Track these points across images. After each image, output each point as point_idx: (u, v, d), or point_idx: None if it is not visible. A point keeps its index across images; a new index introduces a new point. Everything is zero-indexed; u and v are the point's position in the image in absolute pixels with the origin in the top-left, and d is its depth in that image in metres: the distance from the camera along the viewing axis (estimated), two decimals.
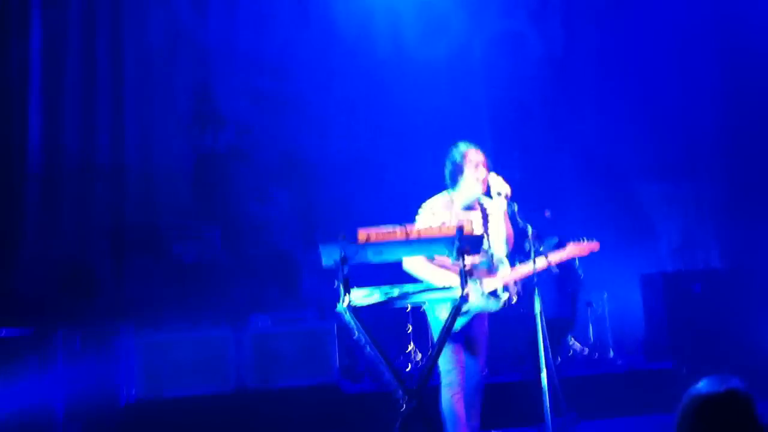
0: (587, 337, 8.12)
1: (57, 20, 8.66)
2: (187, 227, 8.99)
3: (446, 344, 4.69)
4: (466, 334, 4.87)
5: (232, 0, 9.40)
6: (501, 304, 4.92)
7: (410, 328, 7.93)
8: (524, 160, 9.79)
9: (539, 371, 5.01)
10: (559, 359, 7.77)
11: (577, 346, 7.97)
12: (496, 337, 7.22)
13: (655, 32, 9.95)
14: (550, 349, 6.63)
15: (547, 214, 8.02)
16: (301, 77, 9.52)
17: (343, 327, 5.25)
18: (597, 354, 7.94)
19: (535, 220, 8.01)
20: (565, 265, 7.91)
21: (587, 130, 10.12)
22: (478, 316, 4.90)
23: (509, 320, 7.34)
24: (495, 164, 5.11)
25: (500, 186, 4.97)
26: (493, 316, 6.80)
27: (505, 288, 5.87)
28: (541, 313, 4.68)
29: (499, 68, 9.99)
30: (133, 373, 6.68)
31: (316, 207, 9.36)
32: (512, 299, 7.21)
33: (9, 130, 8.38)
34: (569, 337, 8.01)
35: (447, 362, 4.75)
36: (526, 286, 5.29)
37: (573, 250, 5.23)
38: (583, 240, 5.27)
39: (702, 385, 2.31)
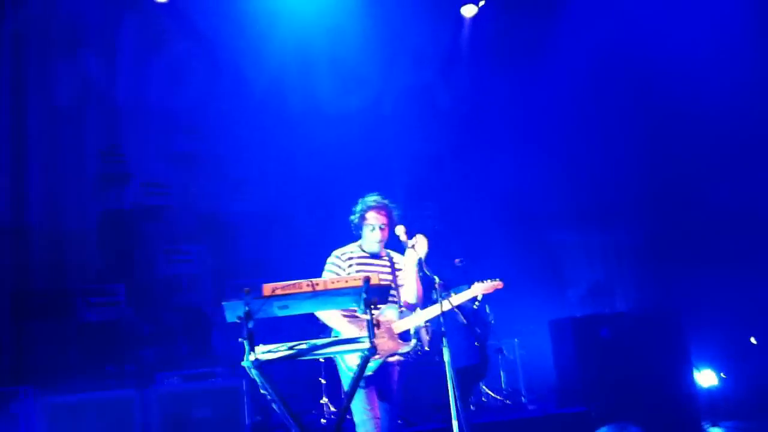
0: (499, 384, 8.17)
1: None
2: (92, 287, 8.72)
3: (359, 394, 4.66)
4: (379, 380, 4.83)
5: (142, 58, 9.28)
6: (411, 347, 4.92)
7: (323, 381, 7.82)
8: (438, 210, 9.92)
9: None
10: (471, 407, 7.78)
11: (490, 393, 8.00)
12: (410, 388, 7.25)
13: (568, 81, 10.25)
14: (460, 398, 6.63)
15: (458, 262, 8.13)
16: (214, 134, 9.49)
17: (254, 383, 5.12)
18: (509, 400, 7.99)
19: (446, 268, 8.12)
20: (475, 312, 7.98)
21: (500, 179, 10.35)
22: (388, 363, 4.87)
23: (423, 371, 7.37)
24: (409, 216, 5.16)
25: (414, 240, 5.02)
26: (406, 368, 6.77)
27: (417, 335, 5.86)
28: (449, 362, 4.67)
29: (410, 120, 10.16)
30: None
31: (228, 263, 9.25)
32: (423, 348, 7.23)
33: None
34: (481, 384, 8.04)
35: (361, 412, 4.70)
36: (436, 336, 5.31)
37: (477, 288, 5.31)
38: (488, 280, 5.36)
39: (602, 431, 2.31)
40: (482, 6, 10.11)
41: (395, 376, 4.98)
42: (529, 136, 10.39)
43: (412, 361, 7.23)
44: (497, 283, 5.37)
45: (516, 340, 8.81)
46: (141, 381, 7.14)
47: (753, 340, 9.46)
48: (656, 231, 10.09)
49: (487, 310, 8.28)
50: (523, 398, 8.12)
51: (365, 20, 9.56)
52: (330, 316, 4.86)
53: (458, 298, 5.20)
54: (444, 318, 6.59)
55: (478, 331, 7.88)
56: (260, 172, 9.51)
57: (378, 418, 4.78)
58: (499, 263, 9.43)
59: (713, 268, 9.21)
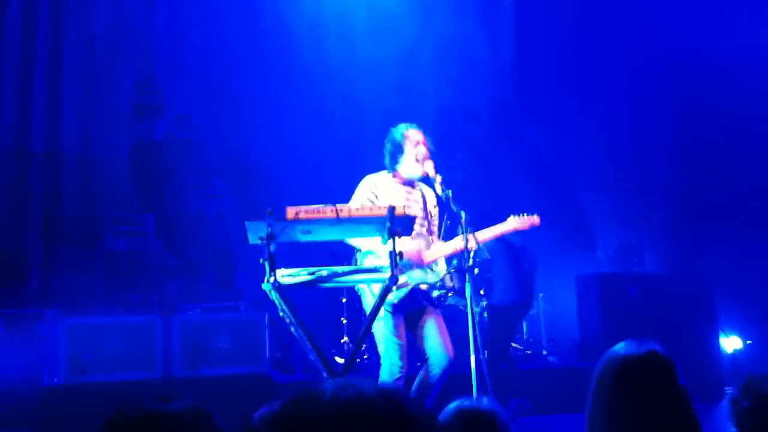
0: (521, 334, 8.14)
1: None
2: (121, 215, 8.78)
3: (386, 319, 4.61)
4: (411, 313, 4.79)
5: None
6: (439, 276, 4.87)
7: (345, 320, 7.84)
8: (468, 161, 9.81)
9: (485, 360, 4.94)
10: (514, 345, 7.72)
11: (513, 344, 7.98)
12: None
13: (609, 48, 10.06)
14: (503, 336, 6.58)
15: (488, 209, 8.02)
16: (249, 73, 9.40)
17: (276, 319, 5.12)
18: (530, 351, 7.96)
19: (474, 215, 8.04)
20: (524, 248, 7.88)
21: (536, 135, 10.21)
22: (419, 291, 4.82)
23: (445, 315, 7.34)
24: (438, 164, 5.06)
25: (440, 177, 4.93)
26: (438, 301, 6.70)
27: (442, 284, 5.82)
28: (471, 298, 4.60)
29: (448, 69, 10.01)
30: (57, 358, 6.46)
31: (257, 202, 9.22)
32: (447, 295, 7.20)
33: None
34: (523, 323, 7.99)
35: (386, 343, 4.65)
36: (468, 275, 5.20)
37: (511, 222, 5.13)
38: (524, 214, 5.19)
39: (620, 347, 2.23)
40: None
41: (430, 303, 4.88)
42: (569, 94, 10.20)
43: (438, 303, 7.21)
44: (534, 219, 5.17)
45: (541, 294, 8.75)
46: (164, 309, 7.20)
47: None
48: (690, 197, 9.93)
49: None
50: (544, 351, 8.09)
51: None
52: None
53: (491, 231, 5.07)
54: (491, 253, 6.55)
55: (527, 266, 7.74)
56: (293, 114, 9.45)
57: (404, 344, 4.73)
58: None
59: (745, 238, 9.05)
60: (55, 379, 6.35)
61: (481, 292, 7.83)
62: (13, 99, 8.45)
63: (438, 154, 5.26)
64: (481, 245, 4.81)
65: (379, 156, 5.29)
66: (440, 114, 9.99)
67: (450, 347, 4.80)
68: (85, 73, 8.83)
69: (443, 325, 4.85)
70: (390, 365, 4.64)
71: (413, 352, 4.87)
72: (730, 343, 8.27)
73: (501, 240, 7.34)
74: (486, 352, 7.52)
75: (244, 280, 8.68)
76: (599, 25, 10.01)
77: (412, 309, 4.80)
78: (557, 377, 7.01)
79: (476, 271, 7.62)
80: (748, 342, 8.37)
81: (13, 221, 8.37)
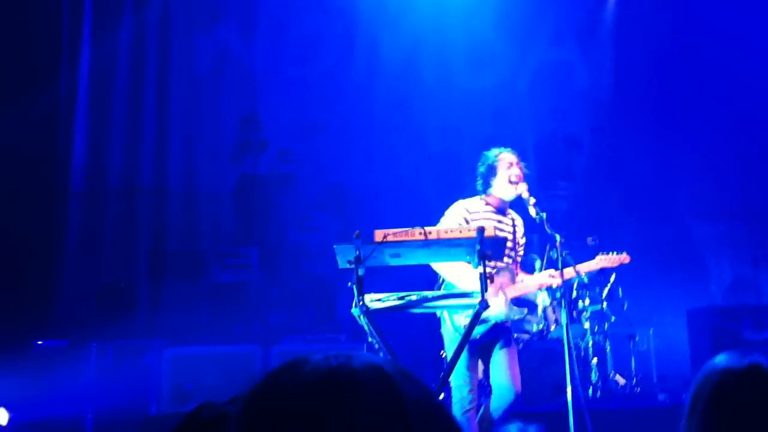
0: (630, 370, 7.79)
1: (107, 43, 8.82)
2: (227, 249, 9.01)
3: (462, 356, 4.50)
4: (485, 345, 4.66)
5: (279, 26, 9.46)
6: (524, 313, 4.71)
7: (444, 354, 7.70)
8: (570, 190, 9.60)
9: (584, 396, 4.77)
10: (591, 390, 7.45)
11: (621, 380, 7.64)
12: (534, 367, 7.03)
13: (710, 73, 9.71)
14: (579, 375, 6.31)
15: (590, 240, 7.79)
16: (347, 104, 9.53)
17: (374, 349, 5.08)
18: (639, 388, 7.60)
19: (577, 247, 7.82)
20: (610, 296, 7.64)
21: (639, 164, 9.91)
22: (499, 327, 4.69)
23: (548, 349, 7.12)
24: (541, 195, 4.96)
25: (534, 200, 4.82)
26: (530, 346, 6.54)
27: (544, 313, 5.67)
28: (567, 329, 4.43)
29: (546, 98, 9.88)
30: (162, 387, 6.63)
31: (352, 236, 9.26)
32: (549, 328, 6.99)
33: (54, 149, 8.52)
34: (611, 371, 7.68)
35: (458, 376, 4.52)
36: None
37: (600, 260, 5.01)
38: (612, 253, 5.05)
39: (720, 359, 2.01)
40: None
41: (508, 341, 4.76)
42: (672, 122, 9.86)
43: (536, 340, 7.00)
44: (623, 257, 5.05)
45: (651, 330, 8.38)
46: (265, 340, 7.28)
47: None
48: None
49: (620, 294, 7.91)
50: (655, 387, 7.75)
51: None
52: (453, 270, 4.62)
53: (581, 268, 4.95)
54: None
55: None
56: (391, 145, 9.50)
57: (477, 385, 4.59)
58: (634, 252, 9.02)
59: None
60: (161, 405, 6.51)
61: (605, 326, 7.57)
62: (122, 137, 8.83)
63: (539, 184, 5.16)
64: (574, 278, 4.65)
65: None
66: (540, 143, 9.82)
67: (518, 382, 4.64)
68: (190, 110, 9.16)
69: (515, 360, 4.70)
70: (461, 398, 4.53)
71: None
72: None
73: None
74: (591, 388, 7.27)
75: (345, 312, 8.68)
76: (699, 51, 9.68)
77: (485, 342, 4.67)
78: (667, 416, 6.65)
79: (584, 302, 7.40)
80: None
81: (123, 256, 8.70)
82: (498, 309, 4.58)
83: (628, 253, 5.09)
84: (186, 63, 9.22)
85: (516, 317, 4.72)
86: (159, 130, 9.01)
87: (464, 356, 4.46)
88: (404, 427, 0.94)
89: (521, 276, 4.86)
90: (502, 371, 4.65)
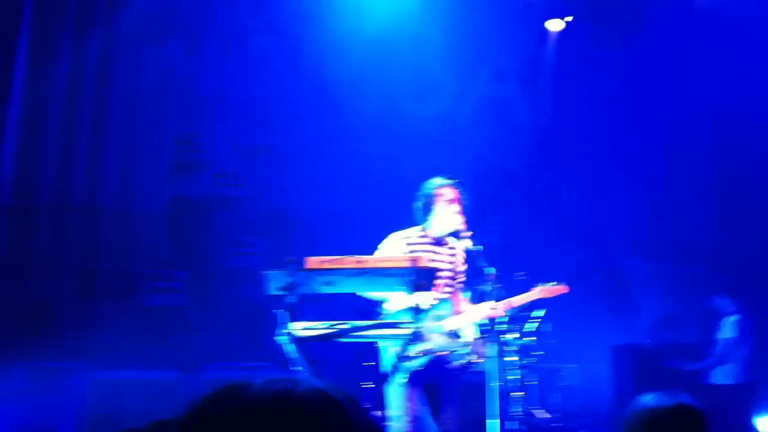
0: (553, 405, 7.85)
1: (44, 54, 8.60)
2: (158, 272, 8.81)
3: (400, 387, 4.48)
4: (426, 379, 4.63)
5: (224, 47, 9.38)
6: (464, 345, 4.71)
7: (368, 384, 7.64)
8: (505, 224, 9.70)
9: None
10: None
11: (544, 415, 7.69)
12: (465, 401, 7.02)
13: (646, 109, 9.98)
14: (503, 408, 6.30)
15: (521, 276, 7.86)
16: (289, 130, 9.49)
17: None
18: (562, 423, 7.68)
19: (508, 282, 7.88)
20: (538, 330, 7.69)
21: (573, 200, 10.10)
22: (441, 361, 4.67)
23: (471, 383, 7.13)
24: (476, 228, 4.97)
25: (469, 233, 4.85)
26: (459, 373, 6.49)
27: (473, 346, 5.68)
28: (497, 356, 4.44)
29: (485, 132, 10.01)
30: (83, 412, 6.42)
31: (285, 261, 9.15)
32: (477, 361, 7.00)
33: None
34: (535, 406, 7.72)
35: (397, 407, 4.51)
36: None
37: (538, 291, 5.04)
38: (552, 283, 5.08)
39: (649, 398, 2.09)
40: (569, 21, 9.88)
41: (449, 375, 4.74)
42: (607, 159, 10.11)
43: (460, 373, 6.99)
44: (562, 287, 5.09)
45: (576, 365, 8.48)
46: (192, 366, 7.12)
47: None
48: (732, 266, 9.66)
49: (549, 329, 7.97)
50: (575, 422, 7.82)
51: (448, 28, 9.48)
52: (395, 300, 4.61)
53: (518, 300, 4.97)
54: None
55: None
56: (333, 172, 9.48)
57: (414, 418, 4.57)
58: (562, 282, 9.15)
59: None
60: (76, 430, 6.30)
61: (533, 360, 7.61)
62: (55, 152, 8.59)
63: (475, 216, 5.18)
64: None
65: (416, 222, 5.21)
66: (478, 176, 9.92)
67: (452, 422, 4.63)
68: (128, 128, 8.97)
69: (457, 398, 4.68)
70: (397, 429, 4.48)
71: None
72: (766, 424, 7.88)
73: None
74: (518, 422, 7.28)
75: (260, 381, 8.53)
76: (637, 89, 9.95)
77: (430, 382, 4.66)
78: None
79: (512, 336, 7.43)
80: None
81: (50, 274, 8.43)
82: (438, 340, 4.57)
83: (566, 284, 5.12)
84: (128, 79, 9.04)
85: (458, 348, 4.71)
86: (94, 146, 8.78)
87: (402, 387, 4.43)
88: None
89: (465, 306, 4.87)
90: (439, 410, 4.64)
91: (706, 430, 2.02)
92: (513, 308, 4.88)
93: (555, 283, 5.10)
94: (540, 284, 5.09)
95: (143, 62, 9.08)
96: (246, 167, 9.35)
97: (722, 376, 7.53)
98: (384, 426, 4.06)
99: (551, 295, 5.07)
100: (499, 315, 4.70)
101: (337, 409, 0.92)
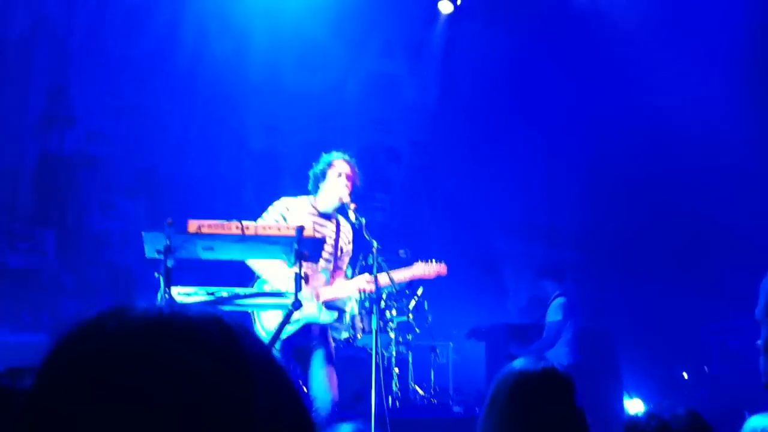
0: (429, 383, 7.98)
1: None
2: (20, 230, 8.30)
3: None
4: (302, 349, 4.56)
5: (102, 2, 8.87)
6: (334, 317, 4.66)
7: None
8: (387, 202, 9.72)
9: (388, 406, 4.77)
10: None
11: (418, 390, 7.79)
12: (338, 374, 7.01)
13: (528, 96, 10.20)
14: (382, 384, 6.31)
15: (402, 253, 7.91)
16: (166, 90, 9.09)
17: None
18: (435, 400, 7.80)
19: (389, 259, 7.91)
20: (416, 308, 7.78)
21: (452, 180, 10.25)
22: (314, 329, 4.61)
23: (352, 357, 7.12)
24: (359, 205, 4.91)
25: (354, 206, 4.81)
26: (336, 353, 6.50)
27: (351, 321, 5.64)
28: (377, 335, 4.42)
29: (371, 109, 9.97)
30: None
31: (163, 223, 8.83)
32: (356, 336, 6.99)
33: None
34: (411, 382, 7.82)
35: None
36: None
37: (419, 269, 5.06)
38: (432, 261, 5.11)
39: (517, 363, 2.11)
40: (459, 5, 9.94)
41: (323, 341, 4.69)
42: (488, 142, 10.29)
43: (342, 347, 6.97)
44: (441, 267, 5.13)
45: (451, 344, 8.63)
46: (55, 330, 6.76)
47: (684, 375, 9.42)
48: (599, 249, 10.09)
49: (426, 307, 8.07)
50: (450, 399, 7.96)
51: (338, 2, 9.33)
52: (266, 264, 4.52)
53: (399, 274, 4.97)
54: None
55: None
56: (211, 138, 9.18)
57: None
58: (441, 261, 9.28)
59: (655, 292, 9.21)
60: None
61: (409, 337, 7.67)
62: None
63: (359, 193, 5.13)
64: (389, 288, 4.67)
65: (297, 187, 5.13)
66: (362, 153, 9.85)
67: (335, 388, 4.59)
68: None
69: (332, 366, 4.64)
70: None
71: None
72: (634, 406, 8.26)
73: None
74: (390, 397, 7.34)
75: (144, 303, 8.25)
76: (522, 75, 10.17)
77: (301, 345, 4.59)
78: (461, 427, 6.84)
79: (390, 312, 7.47)
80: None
81: None
82: (310, 310, 4.50)
83: (445, 263, 5.17)
84: None
85: (327, 320, 4.66)
86: None
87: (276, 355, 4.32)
88: (246, 379, 0.80)
89: (339, 281, 4.81)
90: (319, 378, 4.57)
91: (572, 396, 2.06)
92: (393, 283, 4.87)
93: (434, 260, 5.11)
94: (420, 261, 5.10)
95: (14, 7, 8.47)
96: (118, 127, 8.91)
97: (553, 357, 7.82)
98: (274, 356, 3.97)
99: (429, 274, 5.09)
100: (372, 289, 4.67)
101: (230, 336, 0.82)
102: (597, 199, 10.25)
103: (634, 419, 2.15)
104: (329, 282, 4.74)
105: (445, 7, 10.03)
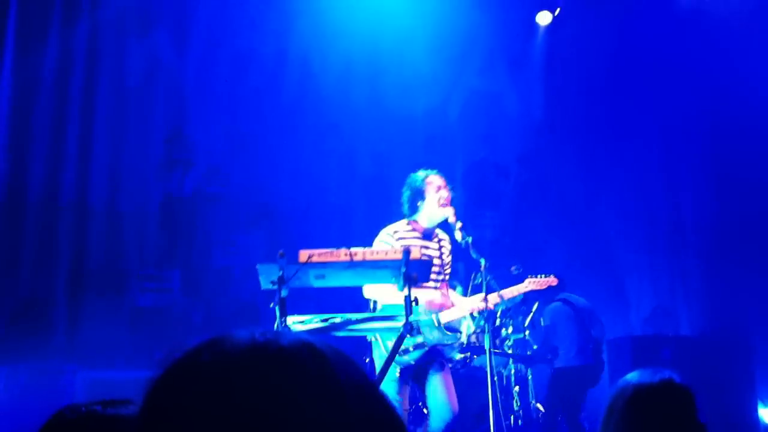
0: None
1: (32, 52, 8.49)
2: (147, 272, 8.75)
3: (393, 382, 4.45)
4: (419, 370, 4.60)
5: (211, 41, 9.25)
6: (458, 338, 4.68)
7: (367, 360, 7.62)
8: (497, 219, 9.68)
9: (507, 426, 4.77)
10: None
11: (541, 408, 7.67)
12: (457, 395, 7.00)
13: (640, 104, 9.96)
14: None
15: (514, 269, 7.84)
16: (276, 125, 9.42)
17: None
18: (560, 417, 7.65)
19: (501, 276, 7.87)
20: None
21: (565, 193, 10.08)
22: (435, 351, 4.64)
23: (471, 377, 7.10)
24: (468, 223, 4.95)
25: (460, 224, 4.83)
26: (453, 374, 6.53)
27: (468, 344, 5.66)
28: (490, 354, 4.42)
29: (476, 126, 9.98)
30: None
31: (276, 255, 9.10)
32: (459, 340, 6.98)
33: None
34: (532, 399, 7.70)
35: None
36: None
37: (529, 283, 5.06)
38: (541, 276, 5.09)
39: (633, 375, 2.06)
40: (557, 15, 9.85)
41: (443, 364, 4.72)
42: (600, 151, 10.09)
43: (459, 368, 6.96)
44: (551, 279, 5.12)
45: None
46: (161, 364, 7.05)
47: None
48: (726, 257, 9.67)
49: (542, 323, 7.96)
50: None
51: (436, 22, 9.42)
52: (381, 290, 4.57)
53: (509, 292, 4.97)
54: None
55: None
56: (321, 168, 9.43)
57: (407, 411, 4.54)
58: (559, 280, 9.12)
59: None
60: None
61: (528, 353, 7.60)
62: (44, 149, 8.48)
63: (466, 211, 5.17)
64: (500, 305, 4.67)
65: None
66: (469, 171, 9.91)
67: (455, 402, 4.59)
68: (116, 125, 8.86)
69: (450, 381, 4.67)
70: None
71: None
72: None
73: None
74: (512, 416, 7.27)
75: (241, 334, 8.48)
76: (629, 80, 9.93)
77: (419, 366, 4.62)
78: None
79: (506, 330, 7.41)
80: None
81: (41, 273, 8.36)
82: (433, 333, 4.54)
83: (556, 276, 5.14)
84: (114, 73, 8.89)
85: (450, 342, 4.69)
86: (82, 143, 8.67)
87: (395, 382, 4.39)
88: (341, 407, 0.84)
89: (454, 297, 4.84)
90: (439, 392, 4.60)
91: (693, 409, 1.99)
92: (504, 301, 4.86)
93: (544, 275, 5.09)
94: (530, 276, 5.09)
95: (129, 54, 8.94)
96: (234, 163, 9.28)
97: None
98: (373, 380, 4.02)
99: (541, 287, 5.08)
100: (490, 307, 4.68)
101: (323, 362, 0.86)
102: (721, 202, 9.83)
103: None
104: (445, 300, 4.77)
105: (544, 19, 9.96)
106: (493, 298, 4.68)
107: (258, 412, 0.81)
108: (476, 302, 4.82)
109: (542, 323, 7.60)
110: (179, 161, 9.09)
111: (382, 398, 0.90)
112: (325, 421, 0.81)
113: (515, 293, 5.00)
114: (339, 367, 0.87)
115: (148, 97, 8.99)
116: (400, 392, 4.49)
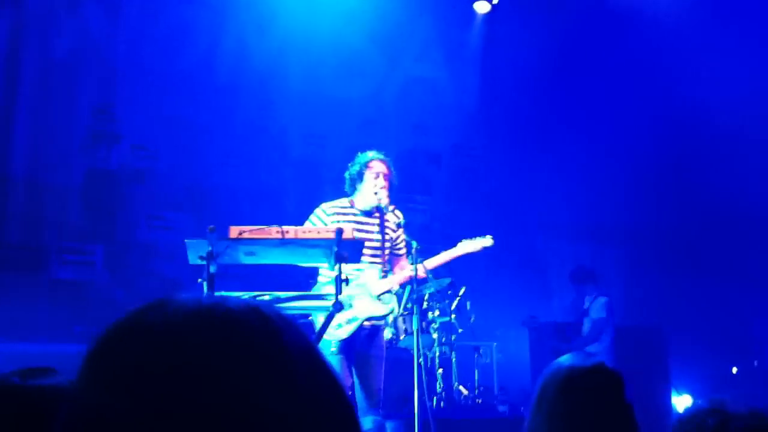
0: (473, 382, 7.98)
1: None
2: (69, 244, 8.52)
3: (330, 356, 4.43)
4: (356, 348, 4.61)
5: (144, 15, 9.05)
6: (388, 309, 4.70)
7: None
8: (427, 204, 9.75)
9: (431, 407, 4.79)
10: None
11: (464, 391, 7.80)
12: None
13: (574, 96, 10.13)
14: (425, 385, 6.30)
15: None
16: (208, 103, 9.26)
17: None
18: (480, 399, 7.80)
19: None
20: (458, 308, 7.79)
21: (496, 181, 10.23)
22: (367, 327, 4.65)
23: (396, 358, 7.16)
24: (400, 208, 4.97)
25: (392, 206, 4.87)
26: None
27: (394, 324, 5.68)
28: (418, 330, 4.45)
29: (411, 113, 10.02)
30: None
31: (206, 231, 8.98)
32: (398, 337, 7.03)
33: None
34: (455, 382, 7.82)
35: None
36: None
37: (463, 245, 5.07)
38: (476, 238, 5.13)
39: (566, 359, 2.11)
40: (496, 4, 9.94)
41: (377, 344, 4.73)
42: (529, 141, 10.26)
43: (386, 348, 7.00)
44: (486, 240, 5.12)
45: (495, 344, 8.62)
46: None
47: (734, 369, 9.29)
48: (646, 246, 9.98)
49: (468, 307, 8.08)
50: (496, 399, 7.95)
51: (374, 6, 9.40)
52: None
53: (441, 257, 5.01)
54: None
55: None
56: (252, 147, 9.32)
57: (349, 388, 4.55)
58: (485, 265, 9.28)
59: (703, 287, 9.09)
60: None
61: (453, 338, 7.69)
62: None
63: (399, 196, 5.18)
64: (431, 277, 4.71)
65: (338, 194, 5.19)
66: (402, 156, 9.92)
67: (380, 394, 4.63)
68: (41, 96, 8.59)
69: (381, 371, 4.68)
70: None
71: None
72: (682, 403, 8.18)
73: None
74: (435, 398, 7.37)
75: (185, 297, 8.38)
76: (564, 72, 10.11)
77: (360, 350, 4.63)
78: (506, 426, 6.84)
79: (433, 313, 7.50)
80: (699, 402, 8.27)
81: None
82: (365, 307, 4.54)
83: (492, 237, 5.17)
84: (41, 45, 8.62)
85: (383, 313, 4.68)
86: (3, 114, 8.39)
87: (335, 360, 4.38)
88: (287, 370, 0.83)
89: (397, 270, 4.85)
90: (368, 383, 4.61)
91: (622, 392, 2.06)
92: (436, 266, 4.91)
93: (479, 237, 5.12)
94: (464, 239, 5.11)
95: (59, 27, 8.69)
96: (163, 139, 9.09)
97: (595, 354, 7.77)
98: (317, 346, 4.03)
99: (476, 249, 5.08)
100: (421, 275, 4.69)
101: (268, 324, 0.85)
102: (642, 195, 10.14)
103: (691, 413, 2.11)
104: (383, 276, 4.78)
105: (482, 7, 10.04)
106: (431, 263, 4.73)
107: (207, 372, 0.79)
108: (407, 272, 4.81)
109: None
110: (105, 135, 8.85)
111: (323, 360, 0.90)
112: (272, 381, 0.81)
113: (451, 256, 5.01)
114: (284, 330, 0.86)
115: (75, 71, 8.72)
116: (339, 366, 4.48)
